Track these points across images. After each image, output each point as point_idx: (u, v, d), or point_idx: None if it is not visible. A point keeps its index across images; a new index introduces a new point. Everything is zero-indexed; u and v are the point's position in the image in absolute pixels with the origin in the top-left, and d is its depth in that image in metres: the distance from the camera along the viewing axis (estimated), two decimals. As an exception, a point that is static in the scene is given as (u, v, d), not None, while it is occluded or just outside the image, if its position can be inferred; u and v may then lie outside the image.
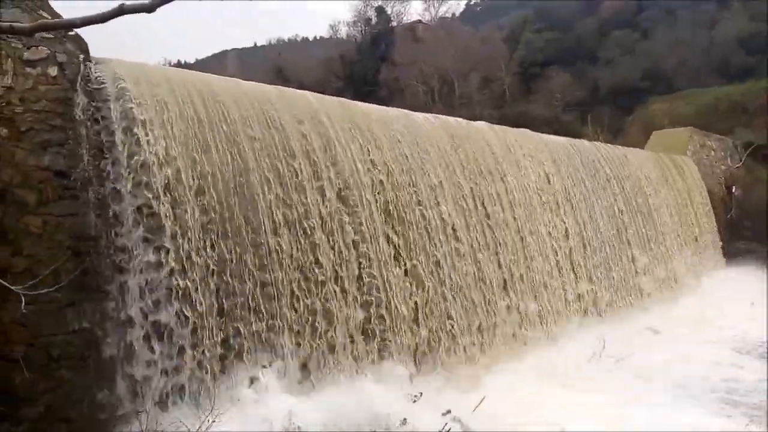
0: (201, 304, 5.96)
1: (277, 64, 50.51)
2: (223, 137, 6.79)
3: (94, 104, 6.27)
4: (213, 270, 6.19)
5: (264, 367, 6.29)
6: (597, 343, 10.35)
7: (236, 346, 6.18)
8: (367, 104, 9.63)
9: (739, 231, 21.92)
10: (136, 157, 6.12)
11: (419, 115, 10.57)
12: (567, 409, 7.50)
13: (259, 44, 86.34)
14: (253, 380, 6.14)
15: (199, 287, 6.02)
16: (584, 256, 12.95)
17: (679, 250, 17.80)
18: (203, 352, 5.87)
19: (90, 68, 6.33)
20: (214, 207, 6.36)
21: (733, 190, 23.35)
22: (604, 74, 41.66)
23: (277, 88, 8.26)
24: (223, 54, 79.97)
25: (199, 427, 4.77)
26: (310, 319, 6.97)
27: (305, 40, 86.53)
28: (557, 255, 12.09)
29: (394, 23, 52.74)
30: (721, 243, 21.18)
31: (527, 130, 13.43)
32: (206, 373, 5.83)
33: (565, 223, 12.67)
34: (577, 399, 7.97)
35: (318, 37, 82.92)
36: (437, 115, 11.30)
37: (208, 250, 6.17)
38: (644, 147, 22.02)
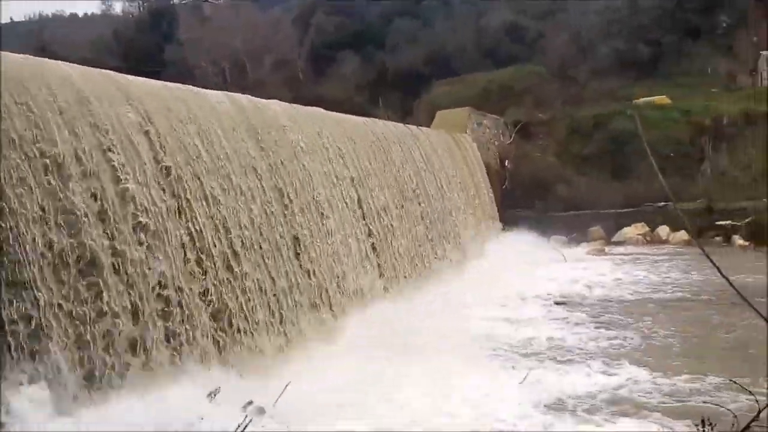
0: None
1: (40, 41, 44.51)
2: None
3: None
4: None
5: (21, 384, 5.26)
6: (390, 316, 10.65)
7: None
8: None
9: (512, 200, 24.46)
10: None
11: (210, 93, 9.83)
12: (366, 384, 7.55)
13: (15, 20, 75.18)
14: (10, 401, 5.10)
15: None
16: (383, 235, 13.29)
17: (464, 219, 19.28)
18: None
19: None
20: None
21: (506, 164, 25.95)
22: (391, 59, 43.55)
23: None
24: (-33, 32, 68.25)
25: None
26: (85, 318, 6.02)
27: (74, 16, 77.58)
28: (355, 232, 12.22)
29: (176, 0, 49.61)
30: (498, 211, 23.43)
31: (320, 109, 13.33)
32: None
33: (358, 200, 12.84)
34: (376, 371, 8.07)
35: (89, 14, 74.93)
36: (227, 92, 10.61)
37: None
38: (430, 126, 23.38)
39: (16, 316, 5.41)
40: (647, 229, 22.65)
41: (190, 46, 42.07)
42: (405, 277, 13.78)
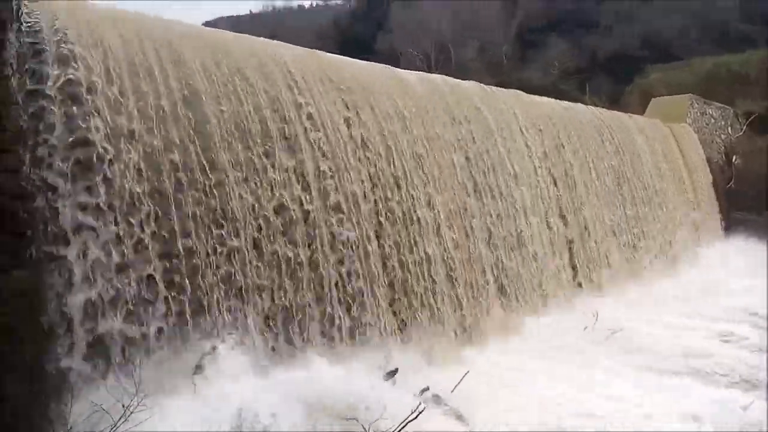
0: (143, 267, 5.35)
1: (271, 31, 49.16)
2: (175, 85, 6.11)
3: (28, 48, 5.59)
4: (158, 229, 5.57)
5: (220, 342, 5.69)
6: (590, 316, 9.83)
7: (186, 316, 5.57)
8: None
9: (738, 201, 21.32)
10: (73, 105, 5.45)
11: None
12: (551, 385, 7.00)
13: (254, 11, 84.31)
14: (204, 357, 5.54)
15: (141, 247, 5.39)
16: (579, 225, 12.38)
17: (677, 220, 17.25)
18: (144, 323, 5.25)
19: (24, 8, 5.64)
20: (161, 158, 5.71)
21: (734, 160, 22.72)
22: (602, 42, 40.69)
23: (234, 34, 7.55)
24: (216, 23, 77.86)
25: (121, 417, 4.16)
26: (276, 286, 6.36)
27: (301, 7, 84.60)
28: (551, 227, 11.51)
29: (390, -12, 51.32)
30: (720, 213, 20.63)
31: (521, 92, 12.74)
32: (145, 348, 5.22)
33: (559, 191, 12.07)
34: (564, 374, 7.46)
35: (314, 5, 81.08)
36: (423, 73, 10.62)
37: (150, 207, 5.54)
38: (643, 115, 21.33)
39: (215, 285, 5.86)
40: None
41: (399, 33, 43.39)
42: (601, 274, 12.66)
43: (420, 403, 5.19)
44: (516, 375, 7.31)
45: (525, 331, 9.33)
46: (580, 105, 15.52)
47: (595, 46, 40.62)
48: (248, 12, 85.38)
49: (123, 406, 4.22)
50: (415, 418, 5.02)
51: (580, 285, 11.77)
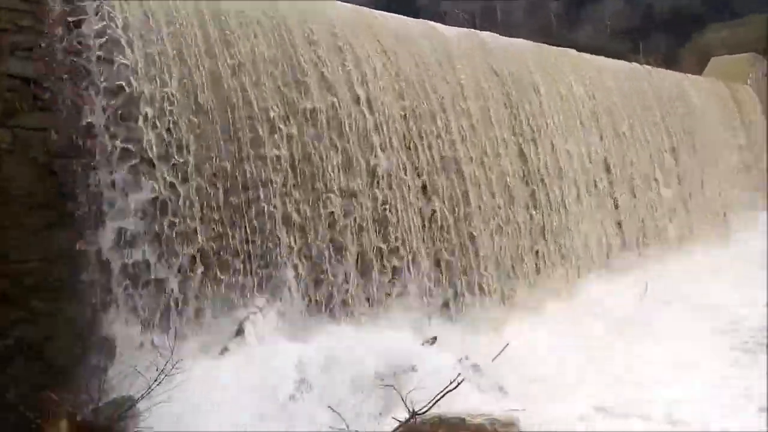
0: (183, 225, 5.33)
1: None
2: (217, 40, 5.99)
3: (68, 3, 5.52)
4: (198, 189, 5.53)
5: (257, 306, 5.65)
6: (640, 286, 9.47)
7: (224, 280, 5.54)
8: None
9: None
10: (114, 63, 5.38)
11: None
12: (596, 359, 6.77)
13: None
14: (242, 320, 5.52)
15: (182, 206, 5.38)
16: (627, 190, 11.87)
17: (735, 185, 16.45)
18: (184, 285, 5.24)
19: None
20: (201, 115, 5.63)
21: (799, 123, 21.49)
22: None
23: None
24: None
25: (155, 379, 4.15)
26: (313, 248, 6.27)
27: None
28: (597, 189, 11.07)
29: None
30: (783, 179, 19.62)
31: (571, 50, 12.15)
32: (186, 309, 5.22)
33: (607, 155, 11.57)
34: (613, 347, 7.21)
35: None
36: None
37: (193, 166, 5.50)
38: (701, 75, 20.29)
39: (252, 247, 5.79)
40: None
41: (443, -7, 42.26)
42: (651, 239, 12.18)
43: (459, 374, 5.05)
44: (559, 346, 7.07)
45: (572, 299, 9.04)
46: (634, 64, 14.77)
47: (650, 3, 38.74)
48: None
49: (157, 369, 4.24)
50: (454, 388, 4.89)
51: (626, 249, 11.35)
